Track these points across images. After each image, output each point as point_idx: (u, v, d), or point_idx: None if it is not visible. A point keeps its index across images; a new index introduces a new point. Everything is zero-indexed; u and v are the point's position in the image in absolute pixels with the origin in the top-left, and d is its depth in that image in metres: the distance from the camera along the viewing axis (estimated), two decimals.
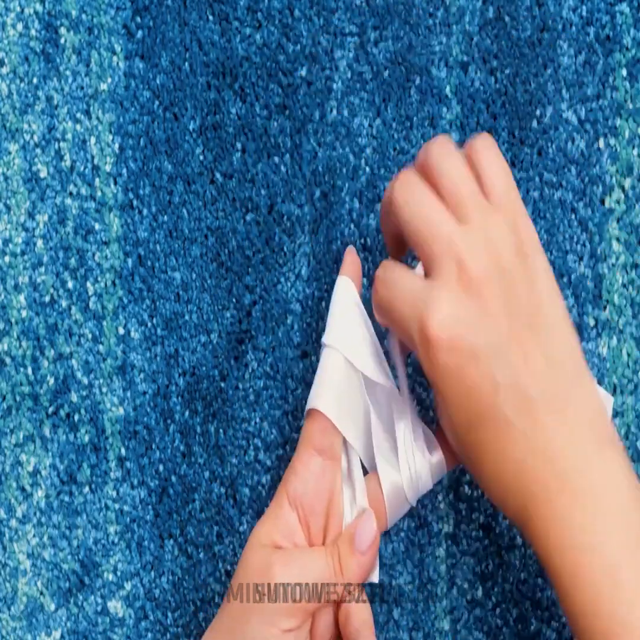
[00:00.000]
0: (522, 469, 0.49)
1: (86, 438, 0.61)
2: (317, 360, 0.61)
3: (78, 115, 0.60)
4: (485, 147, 0.52)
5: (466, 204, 0.50)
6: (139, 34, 0.60)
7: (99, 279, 0.61)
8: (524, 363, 0.49)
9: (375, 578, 0.56)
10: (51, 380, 0.61)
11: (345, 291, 0.56)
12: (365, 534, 0.54)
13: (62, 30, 0.60)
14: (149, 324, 0.61)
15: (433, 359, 0.49)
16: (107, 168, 0.61)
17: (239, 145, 0.61)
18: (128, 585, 0.61)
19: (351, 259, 0.57)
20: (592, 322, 0.62)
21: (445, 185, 0.51)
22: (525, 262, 0.50)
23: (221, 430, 0.61)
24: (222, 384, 0.61)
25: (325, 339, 0.55)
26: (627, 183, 0.62)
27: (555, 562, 0.48)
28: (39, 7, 0.60)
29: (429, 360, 0.49)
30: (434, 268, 0.50)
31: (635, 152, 0.62)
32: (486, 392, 0.49)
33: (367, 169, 0.61)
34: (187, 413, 0.61)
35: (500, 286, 0.50)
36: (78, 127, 0.60)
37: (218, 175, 0.61)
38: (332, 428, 0.55)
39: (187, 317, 0.61)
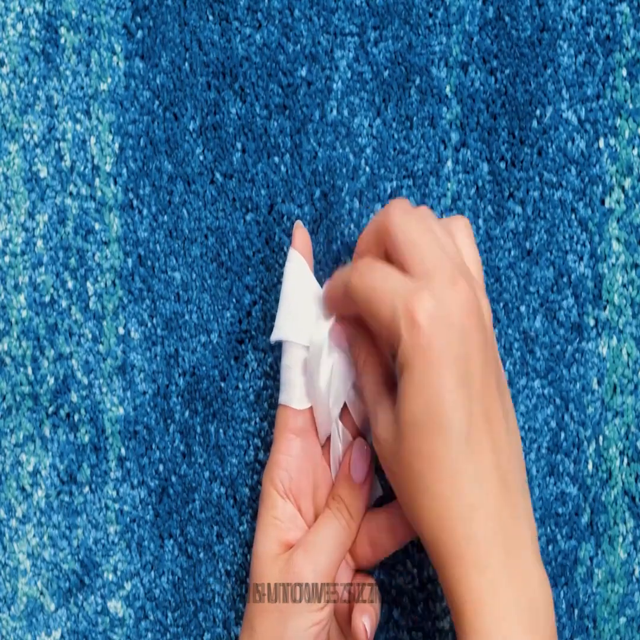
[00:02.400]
0: (446, 507, 0.49)
1: (86, 438, 0.61)
2: None
3: (78, 115, 0.60)
4: (457, 229, 0.53)
5: (430, 258, 0.50)
6: (139, 34, 0.60)
7: (99, 279, 0.61)
8: (485, 400, 0.50)
9: (379, 492, 0.58)
10: (51, 380, 0.61)
11: (297, 266, 0.57)
12: (359, 462, 0.56)
13: (62, 30, 0.60)
14: (149, 324, 0.61)
15: (412, 339, 0.48)
16: (107, 168, 0.61)
17: (239, 145, 0.61)
18: (128, 585, 0.61)
19: (301, 234, 0.58)
20: (592, 322, 0.62)
21: (407, 249, 0.51)
22: (491, 335, 0.52)
23: (221, 430, 0.61)
24: (222, 384, 0.61)
25: (276, 335, 0.57)
26: (627, 183, 0.62)
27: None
28: (39, 7, 0.60)
29: (408, 340, 0.49)
30: (423, 272, 0.50)
31: (635, 152, 0.62)
32: (441, 407, 0.49)
33: (367, 169, 0.61)
34: (187, 413, 0.61)
35: (478, 315, 0.50)
36: (78, 127, 0.60)
37: (218, 175, 0.61)
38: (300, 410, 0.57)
39: (187, 317, 0.61)
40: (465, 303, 0.49)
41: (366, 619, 0.55)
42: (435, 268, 0.50)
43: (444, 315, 0.49)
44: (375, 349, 0.54)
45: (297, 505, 0.56)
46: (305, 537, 0.55)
